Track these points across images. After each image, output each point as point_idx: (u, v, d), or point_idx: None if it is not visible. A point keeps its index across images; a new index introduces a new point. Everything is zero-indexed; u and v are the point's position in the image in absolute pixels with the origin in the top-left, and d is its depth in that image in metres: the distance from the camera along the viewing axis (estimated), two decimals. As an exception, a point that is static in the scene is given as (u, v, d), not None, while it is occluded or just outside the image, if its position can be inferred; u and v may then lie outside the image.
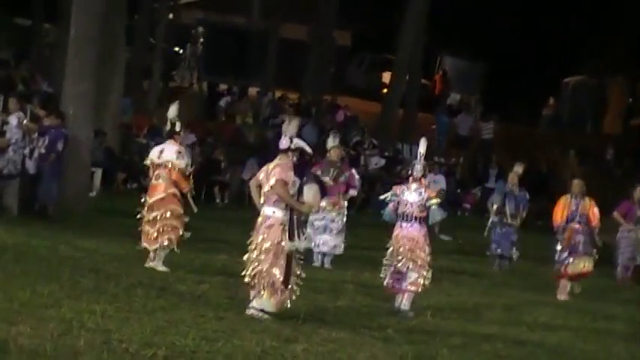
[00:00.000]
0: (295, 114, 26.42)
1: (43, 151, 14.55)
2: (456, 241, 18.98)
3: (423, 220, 10.29)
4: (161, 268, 11.04)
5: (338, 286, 11.60)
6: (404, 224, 10.27)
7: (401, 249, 10.23)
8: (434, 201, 10.30)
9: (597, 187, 16.19)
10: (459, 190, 23.91)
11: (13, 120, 15.01)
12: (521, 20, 35.86)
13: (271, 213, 8.89)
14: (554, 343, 9.96)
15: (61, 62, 17.29)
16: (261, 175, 9.04)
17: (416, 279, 10.21)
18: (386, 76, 32.23)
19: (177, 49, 32.91)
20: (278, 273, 8.79)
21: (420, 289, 10.29)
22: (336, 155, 13.90)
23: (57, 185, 14.72)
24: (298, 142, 9.08)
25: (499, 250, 15.65)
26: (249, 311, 8.89)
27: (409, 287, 10.22)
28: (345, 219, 13.64)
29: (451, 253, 16.74)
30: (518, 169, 15.77)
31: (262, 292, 8.83)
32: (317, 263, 13.51)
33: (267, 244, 8.82)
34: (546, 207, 16.41)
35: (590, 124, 33.86)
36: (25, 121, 14.87)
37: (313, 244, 13.11)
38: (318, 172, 13.44)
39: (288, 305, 8.93)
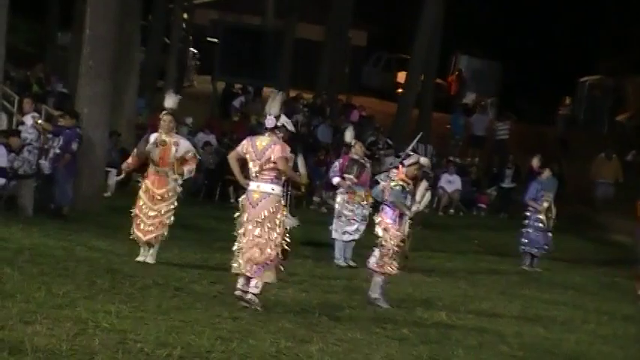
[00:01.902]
0: (310, 114, 26.54)
1: (57, 151, 14.62)
2: (472, 241, 18.93)
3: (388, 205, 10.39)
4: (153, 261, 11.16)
5: (353, 285, 11.59)
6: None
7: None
8: (392, 183, 10.42)
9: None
10: (474, 190, 23.85)
11: (28, 120, 15.10)
12: (537, 19, 35.79)
13: (270, 190, 9.09)
14: (572, 343, 9.93)
15: (76, 63, 17.35)
16: (250, 150, 9.17)
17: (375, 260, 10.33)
18: (401, 76, 32.19)
19: (192, 49, 33.03)
20: (277, 247, 9.07)
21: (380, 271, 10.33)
22: (361, 150, 13.97)
23: (72, 186, 14.77)
24: (283, 120, 9.32)
25: (535, 251, 15.55)
26: (248, 296, 9.10)
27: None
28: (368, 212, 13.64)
29: (467, 253, 16.70)
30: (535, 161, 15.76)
31: (271, 269, 9.09)
32: (341, 261, 13.53)
33: (269, 221, 9.02)
34: (560, 207, 16.31)
35: (607, 123, 33.72)
36: (40, 121, 14.95)
37: (345, 234, 13.41)
38: (337, 164, 13.59)
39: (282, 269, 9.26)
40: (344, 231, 13.59)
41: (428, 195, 10.69)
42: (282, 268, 9.38)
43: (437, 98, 30.04)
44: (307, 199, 20.44)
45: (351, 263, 13.50)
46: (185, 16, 29.73)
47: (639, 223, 13.95)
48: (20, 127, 14.97)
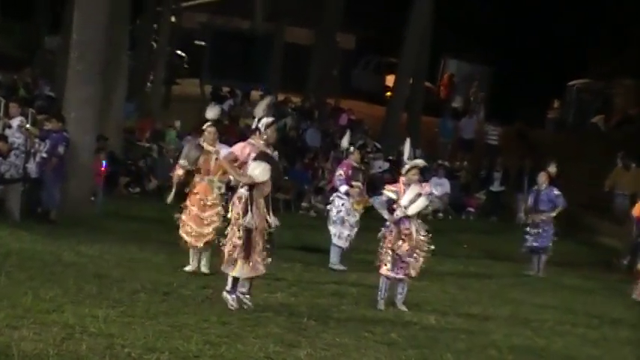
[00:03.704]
0: (298, 117, 26.53)
1: (44, 155, 14.58)
2: (461, 245, 18.95)
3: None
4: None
5: (342, 290, 11.59)
6: None
7: None
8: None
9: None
10: (463, 194, 23.88)
11: (14, 124, 15.04)
12: (526, 22, 35.87)
13: (242, 189, 9.38)
14: (561, 347, 9.94)
15: (64, 67, 17.31)
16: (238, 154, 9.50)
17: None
18: (390, 80, 32.22)
19: (180, 52, 32.98)
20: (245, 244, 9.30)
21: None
22: (359, 157, 14.08)
23: (60, 190, 14.72)
24: (265, 121, 9.53)
25: (535, 244, 15.58)
26: (223, 294, 9.37)
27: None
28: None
29: (457, 257, 16.72)
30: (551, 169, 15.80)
31: (237, 261, 9.29)
32: (341, 266, 13.58)
33: (233, 220, 9.36)
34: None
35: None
36: (27, 125, 14.90)
37: (339, 238, 13.55)
38: (341, 173, 13.63)
39: (263, 271, 9.42)
40: (339, 235, 13.65)
41: (421, 201, 10.65)
42: (261, 269, 9.43)
43: (426, 102, 30.07)
44: (295, 204, 20.43)
45: (342, 267, 13.54)
46: (173, 19, 29.67)
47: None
48: (7, 131, 14.92)
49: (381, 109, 30.01)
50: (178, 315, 8.69)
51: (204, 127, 11.70)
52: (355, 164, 13.95)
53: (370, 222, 17.46)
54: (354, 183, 13.74)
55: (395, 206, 10.62)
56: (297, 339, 8.33)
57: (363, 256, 14.53)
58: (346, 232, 13.68)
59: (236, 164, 9.48)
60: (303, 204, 20.72)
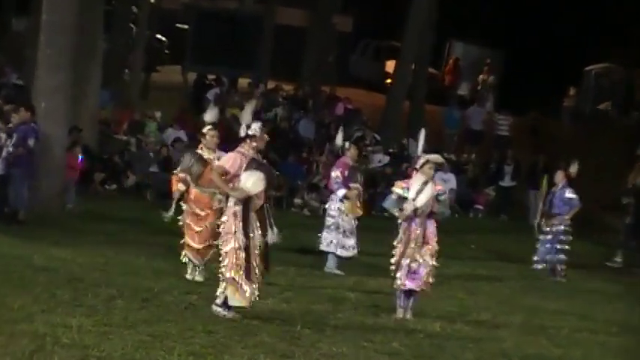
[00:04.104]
0: (290, 107, 26.52)
1: (11, 149, 14.51)
2: (469, 246, 18.99)
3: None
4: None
5: (339, 295, 11.60)
6: None
7: None
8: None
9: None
10: (471, 190, 23.90)
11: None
12: (538, 2, 35.85)
13: (231, 203, 9.43)
14: (579, 357, 9.97)
15: (33, 52, 17.28)
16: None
17: None
18: (391, 65, 32.23)
19: (160, 36, 32.96)
20: (239, 266, 9.30)
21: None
22: (356, 154, 14.07)
23: (28, 188, 14.68)
24: (254, 128, 9.63)
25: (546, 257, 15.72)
26: (213, 307, 9.36)
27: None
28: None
29: (464, 259, 16.75)
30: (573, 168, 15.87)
31: (226, 288, 9.28)
32: (337, 271, 13.60)
33: (226, 232, 9.40)
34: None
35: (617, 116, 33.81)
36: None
37: (343, 248, 13.60)
38: (338, 174, 13.61)
39: (257, 297, 9.34)
40: (342, 245, 13.63)
41: (428, 188, 10.68)
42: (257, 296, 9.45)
43: (430, 89, 30.08)
44: (287, 201, 20.43)
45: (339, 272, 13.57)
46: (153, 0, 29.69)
47: None
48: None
49: (381, 98, 30.04)
50: (159, 323, 8.69)
51: (204, 130, 11.76)
52: (352, 162, 13.93)
53: (371, 222, 17.54)
54: (352, 185, 13.73)
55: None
56: (290, 349, 8.34)
57: (361, 258, 14.57)
58: (343, 240, 13.65)
59: (226, 177, 9.50)
60: (296, 201, 20.72)
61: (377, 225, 18.49)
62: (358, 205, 13.85)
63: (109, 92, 23.29)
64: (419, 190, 10.59)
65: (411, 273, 10.62)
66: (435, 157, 11.02)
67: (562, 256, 15.76)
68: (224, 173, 9.54)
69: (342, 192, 13.67)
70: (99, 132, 20.43)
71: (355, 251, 13.79)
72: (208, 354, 7.82)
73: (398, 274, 10.67)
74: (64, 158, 16.28)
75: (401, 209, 10.64)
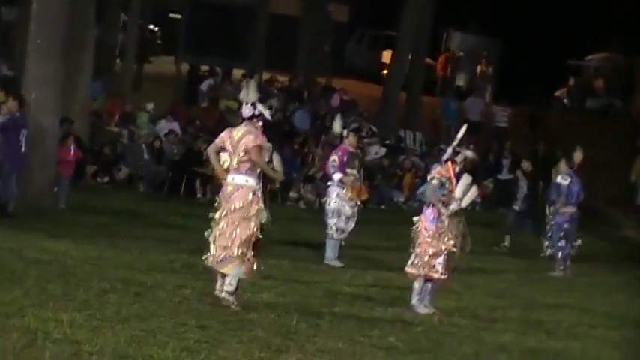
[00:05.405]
0: (285, 98, 26.52)
1: (-1, 140, 14.46)
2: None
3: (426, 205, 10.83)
4: None
5: (334, 289, 11.60)
6: None
7: None
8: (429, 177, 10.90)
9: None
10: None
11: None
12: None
13: (244, 182, 9.48)
14: (578, 351, 9.98)
15: (23, 42, 17.24)
16: (227, 142, 9.57)
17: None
18: (387, 55, 32.23)
19: (152, 26, 32.91)
20: (249, 240, 9.42)
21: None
22: (355, 141, 14.07)
23: (17, 180, 14.63)
24: (260, 108, 9.72)
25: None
26: (222, 294, 9.44)
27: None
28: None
29: (461, 252, 16.74)
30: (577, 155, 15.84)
31: (234, 262, 9.37)
32: (337, 262, 13.63)
33: (242, 212, 9.40)
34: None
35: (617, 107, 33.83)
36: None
37: (343, 233, 13.67)
38: (335, 159, 13.64)
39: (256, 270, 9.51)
40: (342, 230, 13.70)
41: (473, 190, 10.79)
42: (262, 267, 9.68)
43: (427, 80, 30.07)
44: (283, 194, 20.43)
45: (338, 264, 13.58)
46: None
47: None
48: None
49: (378, 89, 30.04)
50: (152, 318, 8.69)
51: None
52: (351, 149, 13.95)
53: (367, 214, 17.57)
54: (348, 171, 13.74)
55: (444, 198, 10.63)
56: (285, 343, 8.34)
57: (359, 252, 14.59)
58: (343, 226, 13.69)
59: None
60: (291, 194, 20.73)
61: (373, 218, 18.56)
62: (360, 189, 13.92)
63: (100, 83, 23.28)
64: (465, 190, 10.65)
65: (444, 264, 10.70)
66: (473, 156, 11.10)
67: (563, 243, 15.66)
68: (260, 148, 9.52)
69: (337, 176, 13.70)
70: (90, 124, 20.41)
71: (343, 235, 13.79)
72: (202, 349, 7.82)
73: (437, 267, 10.63)
74: (55, 149, 16.25)
75: (441, 202, 10.59)
